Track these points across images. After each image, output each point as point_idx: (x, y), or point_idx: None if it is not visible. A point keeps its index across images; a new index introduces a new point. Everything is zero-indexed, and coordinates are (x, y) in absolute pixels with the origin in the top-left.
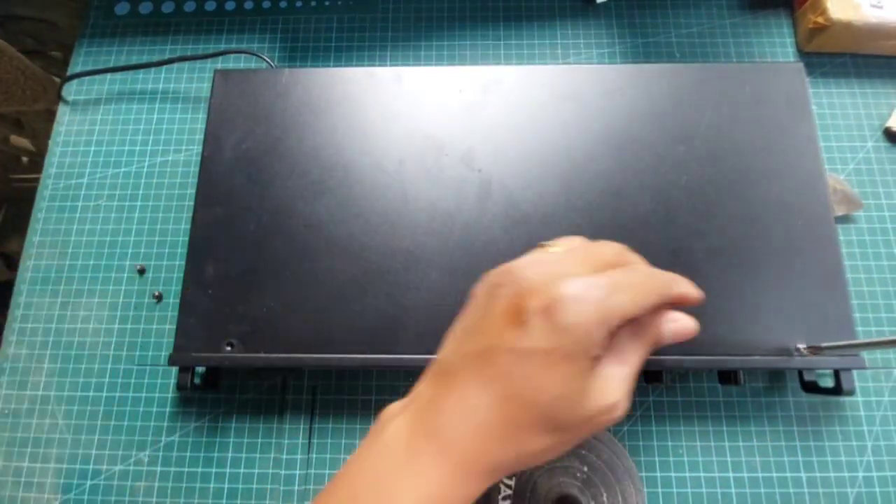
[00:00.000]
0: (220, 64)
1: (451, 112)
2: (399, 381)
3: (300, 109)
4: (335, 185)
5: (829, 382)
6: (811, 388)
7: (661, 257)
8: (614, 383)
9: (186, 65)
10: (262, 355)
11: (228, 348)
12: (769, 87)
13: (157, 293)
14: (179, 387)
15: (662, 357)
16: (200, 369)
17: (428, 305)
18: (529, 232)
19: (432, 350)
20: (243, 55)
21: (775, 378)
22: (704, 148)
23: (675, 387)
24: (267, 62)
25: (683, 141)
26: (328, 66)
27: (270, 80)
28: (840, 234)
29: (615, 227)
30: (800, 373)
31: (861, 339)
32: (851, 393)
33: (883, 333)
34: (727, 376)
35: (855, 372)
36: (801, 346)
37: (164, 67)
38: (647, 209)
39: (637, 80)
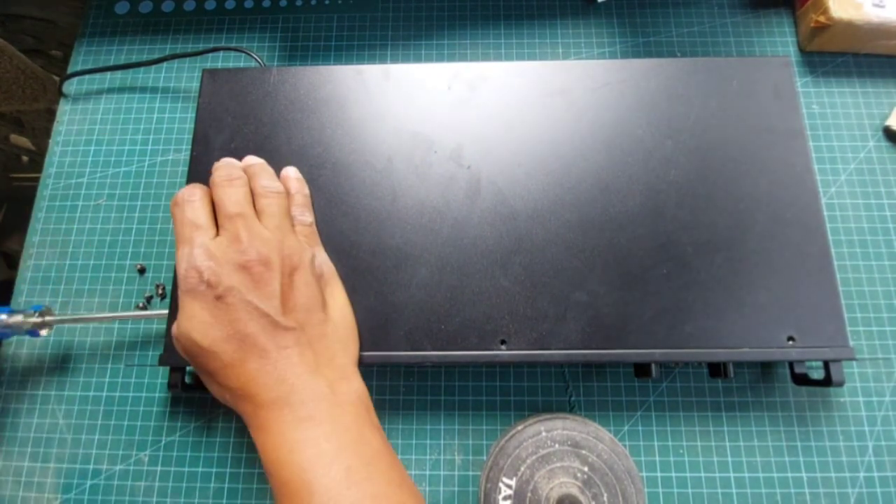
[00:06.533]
0: (209, 63)
1: (439, 109)
2: (399, 381)
3: (288, 108)
4: (324, 183)
5: (820, 375)
6: (801, 380)
7: (649, 251)
8: None
9: (186, 64)
10: None
11: None
12: (757, 80)
13: (160, 288)
14: (170, 386)
15: (651, 350)
16: (192, 368)
17: (417, 303)
18: (518, 228)
19: (421, 347)
20: (232, 52)
21: (777, 378)
22: (692, 142)
23: (676, 387)
24: (256, 60)
25: (671, 135)
26: (329, 65)
27: (258, 79)
28: (841, 234)
29: (604, 222)
30: (790, 365)
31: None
32: (841, 384)
33: (884, 333)
34: (717, 369)
35: (856, 371)
36: (790, 337)
37: (165, 65)
38: (636, 204)
39: (625, 75)
